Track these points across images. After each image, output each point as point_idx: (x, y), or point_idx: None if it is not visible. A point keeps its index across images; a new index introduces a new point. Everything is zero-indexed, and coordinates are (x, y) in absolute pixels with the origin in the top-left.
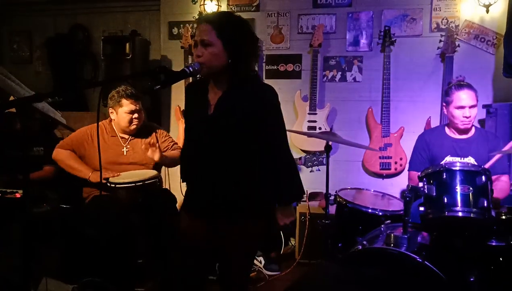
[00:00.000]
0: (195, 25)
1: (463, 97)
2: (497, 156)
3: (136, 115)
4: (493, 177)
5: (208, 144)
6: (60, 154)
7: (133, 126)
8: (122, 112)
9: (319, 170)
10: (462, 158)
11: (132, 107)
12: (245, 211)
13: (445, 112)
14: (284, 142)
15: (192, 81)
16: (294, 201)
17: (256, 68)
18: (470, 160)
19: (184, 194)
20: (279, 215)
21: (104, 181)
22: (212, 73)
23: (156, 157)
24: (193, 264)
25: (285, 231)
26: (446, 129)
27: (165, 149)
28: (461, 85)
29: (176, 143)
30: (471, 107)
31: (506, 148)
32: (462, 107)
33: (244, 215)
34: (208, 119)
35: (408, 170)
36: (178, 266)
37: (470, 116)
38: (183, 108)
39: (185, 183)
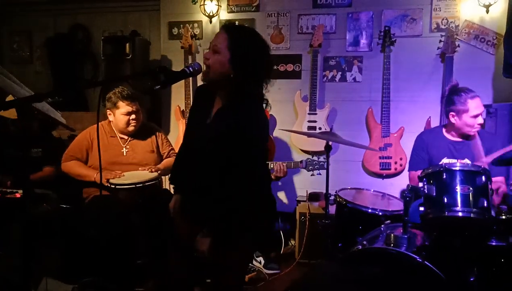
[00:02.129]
0: (195, 25)
1: (477, 105)
2: (499, 152)
3: (133, 116)
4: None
5: (201, 151)
6: (66, 167)
7: (131, 128)
8: (119, 114)
9: (319, 174)
10: (459, 160)
11: (129, 109)
12: (238, 217)
13: (454, 121)
14: (252, 170)
15: (203, 84)
16: (220, 231)
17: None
18: (467, 162)
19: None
20: (201, 240)
21: (106, 183)
22: (213, 80)
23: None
24: (187, 267)
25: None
26: (444, 131)
27: (163, 154)
28: (469, 91)
29: (173, 149)
30: (482, 113)
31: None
32: (478, 115)
33: (237, 221)
34: (205, 128)
35: (408, 170)
36: (172, 268)
37: (481, 123)
38: (183, 108)
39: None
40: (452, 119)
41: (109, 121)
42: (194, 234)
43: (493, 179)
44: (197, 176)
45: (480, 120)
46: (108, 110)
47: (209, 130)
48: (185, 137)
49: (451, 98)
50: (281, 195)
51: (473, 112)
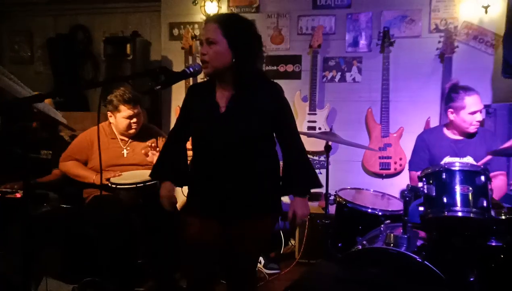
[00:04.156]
0: (195, 26)
1: (475, 102)
2: (488, 157)
3: (134, 120)
4: (490, 175)
5: (221, 144)
6: (65, 166)
7: (132, 131)
8: (120, 118)
9: (320, 173)
10: (461, 158)
11: (130, 112)
12: (258, 207)
13: (452, 118)
14: (297, 135)
15: (195, 83)
16: (312, 188)
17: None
18: (469, 160)
19: (186, 196)
20: (296, 207)
21: (106, 181)
22: (217, 72)
23: (155, 160)
24: (206, 268)
25: (295, 226)
26: (445, 130)
27: None
28: (468, 89)
29: None
30: (481, 111)
31: (505, 146)
32: (475, 112)
33: (256, 212)
34: (220, 120)
35: (409, 170)
36: (192, 272)
37: (480, 120)
38: None
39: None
40: (451, 116)
41: (109, 123)
42: (212, 232)
43: (493, 173)
44: (228, 168)
45: (478, 117)
46: (109, 112)
47: (229, 120)
48: (196, 139)
49: (450, 95)
50: None
51: (470, 109)
